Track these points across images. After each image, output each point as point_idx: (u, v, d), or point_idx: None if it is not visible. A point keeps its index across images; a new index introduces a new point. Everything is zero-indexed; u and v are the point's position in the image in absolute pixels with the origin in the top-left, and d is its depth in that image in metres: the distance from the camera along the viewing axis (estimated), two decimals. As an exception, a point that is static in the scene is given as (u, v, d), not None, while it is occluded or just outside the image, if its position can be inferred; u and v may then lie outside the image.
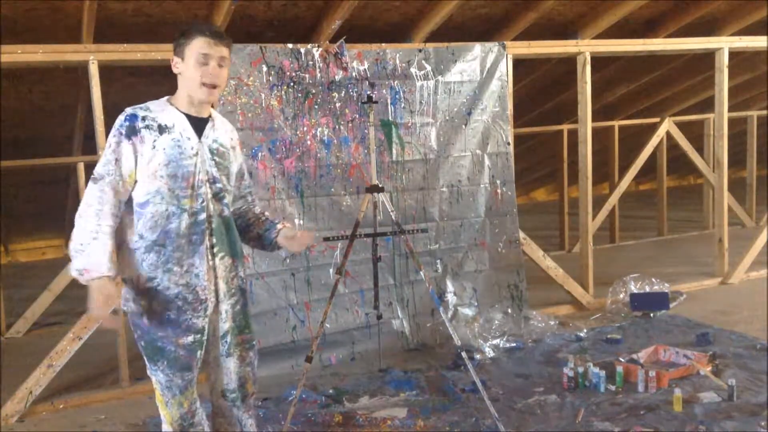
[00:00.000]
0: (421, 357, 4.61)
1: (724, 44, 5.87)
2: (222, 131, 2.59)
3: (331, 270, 4.58)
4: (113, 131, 2.42)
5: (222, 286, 2.56)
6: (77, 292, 5.99)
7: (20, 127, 5.78)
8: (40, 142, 6.22)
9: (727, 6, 5.90)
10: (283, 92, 4.40)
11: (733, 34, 6.09)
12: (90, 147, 5.08)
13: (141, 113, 2.42)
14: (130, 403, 4.08)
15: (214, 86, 2.46)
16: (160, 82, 5.25)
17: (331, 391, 4.02)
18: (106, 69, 4.23)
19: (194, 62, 2.43)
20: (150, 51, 4.10)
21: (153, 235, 2.43)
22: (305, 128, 4.48)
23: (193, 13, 4.35)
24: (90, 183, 2.41)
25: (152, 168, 2.40)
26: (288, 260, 4.46)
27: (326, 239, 4.32)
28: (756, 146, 8.76)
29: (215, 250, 2.52)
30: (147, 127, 2.41)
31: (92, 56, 3.99)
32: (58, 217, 7.79)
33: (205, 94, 2.46)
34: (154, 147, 2.40)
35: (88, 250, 2.35)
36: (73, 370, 4.33)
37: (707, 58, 6.18)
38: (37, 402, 4.01)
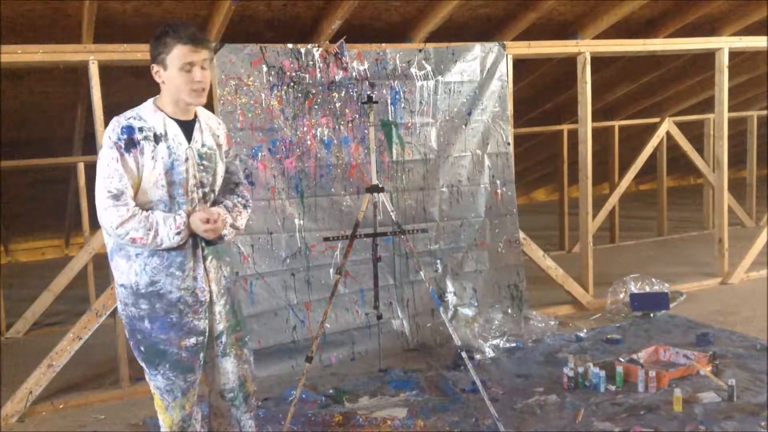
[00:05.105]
0: (421, 357, 4.60)
1: (724, 44, 5.87)
2: (207, 133, 2.56)
3: (331, 270, 4.58)
4: (109, 143, 2.38)
5: (214, 288, 2.58)
6: (77, 292, 6.06)
7: (20, 127, 5.78)
8: (40, 142, 6.22)
9: (727, 6, 5.90)
10: (283, 92, 4.40)
11: (733, 34, 6.09)
12: (90, 147, 5.08)
13: (136, 124, 2.41)
14: (130, 403, 4.08)
15: (203, 89, 2.45)
16: (160, 82, 5.28)
17: (331, 391, 4.02)
18: (106, 69, 4.22)
19: (178, 71, 2.40)
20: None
21: None
22: (305, 128, 4.48)
23: (193, 13, 4.35)
24: (111, 200, 2.38)
25: (154, 178, 2.42)
26: (288, 260, 4.46)
27: (326, 239, 4.33)
28: (756, 146, 8.75)
29: (205, 253, 2.55)
30: (145, 138, 2.40)
31: (92, 56, 3.99)
32: (58, 217, 7.78)
33: (195, 98, 2.46)
34: (153, 157, 2.41)
35: (158, 229, 2.40)
36: (73, 370, 4.33)
37: (707, 58, 6.18)
38: (37, 402, 4.01)
